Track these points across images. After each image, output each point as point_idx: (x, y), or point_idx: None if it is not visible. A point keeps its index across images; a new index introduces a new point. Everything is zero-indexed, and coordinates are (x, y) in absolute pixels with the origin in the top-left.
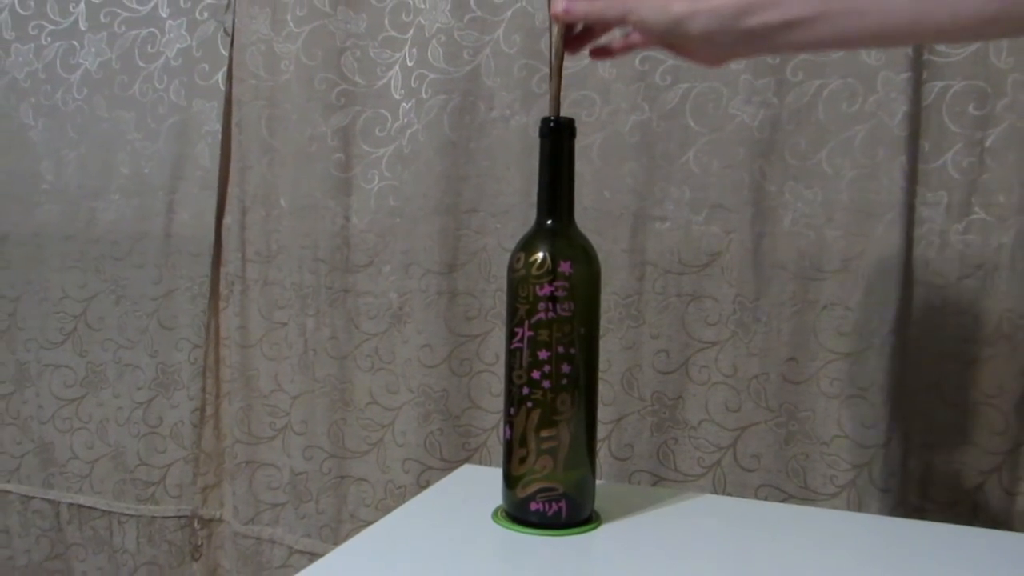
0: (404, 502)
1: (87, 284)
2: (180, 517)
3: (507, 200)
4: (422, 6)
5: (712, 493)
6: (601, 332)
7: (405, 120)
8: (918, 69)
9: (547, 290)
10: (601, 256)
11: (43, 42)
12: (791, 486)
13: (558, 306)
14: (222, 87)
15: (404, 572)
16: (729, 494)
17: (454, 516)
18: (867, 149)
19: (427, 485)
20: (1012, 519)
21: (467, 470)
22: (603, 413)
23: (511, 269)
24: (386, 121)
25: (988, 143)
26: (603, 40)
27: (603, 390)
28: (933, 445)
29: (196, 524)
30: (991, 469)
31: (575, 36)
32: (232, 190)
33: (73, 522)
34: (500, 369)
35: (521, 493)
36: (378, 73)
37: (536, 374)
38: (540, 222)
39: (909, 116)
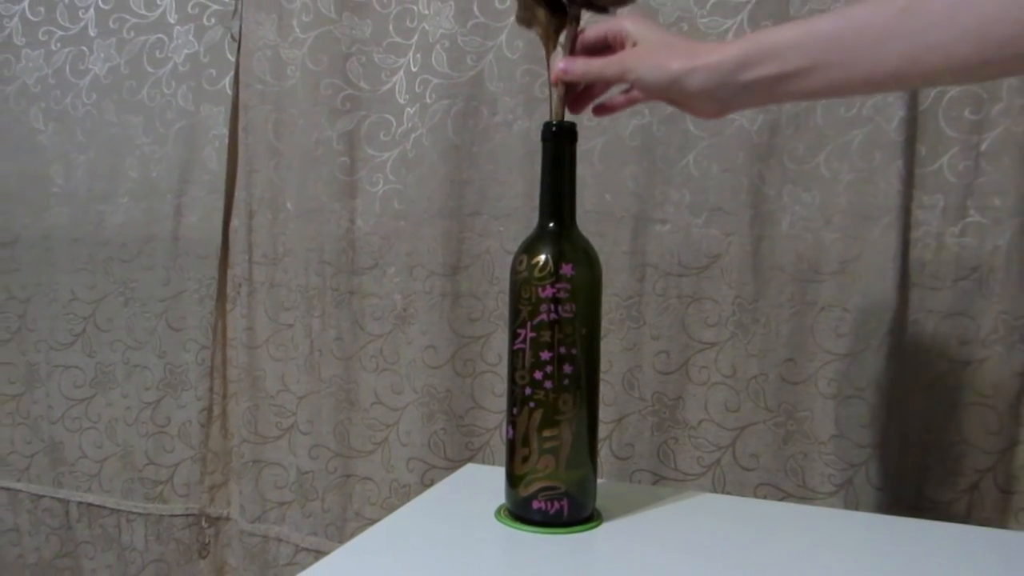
0: (408, 501)
1: (96, 286)
2: (188, 515)
3: (510, 203)
4: (426, 12)
5: (712, 492)
6: (602, 333)
7: (409, 124)
8: None
9: (549, 292)
10: (602, 258)
11: (53, 48)
12: (789, 485)
13: (560, 307)
14: (229, 92)
15: (408, 569)
16: (728, 493)
17: (457, 514)
18: (864, 153)
19: (431, 484)
20: (1007, 517)
21: (470, 469)
22: (604, 413)
23: (514, 271)
24: (391, 125)
25: (984, 147)
26: (604, 97)
27: (604, 390)
28: (929, 444)
29: (203, 522)
30: (986, 468)
31: (576, 96)
32: (239, 193)
33: (82, 520)
34: (503, 370)
35: (523, 492)
36: (383, 78)
37: (538, 374)
38: (542, 225)
39: (906, 121)
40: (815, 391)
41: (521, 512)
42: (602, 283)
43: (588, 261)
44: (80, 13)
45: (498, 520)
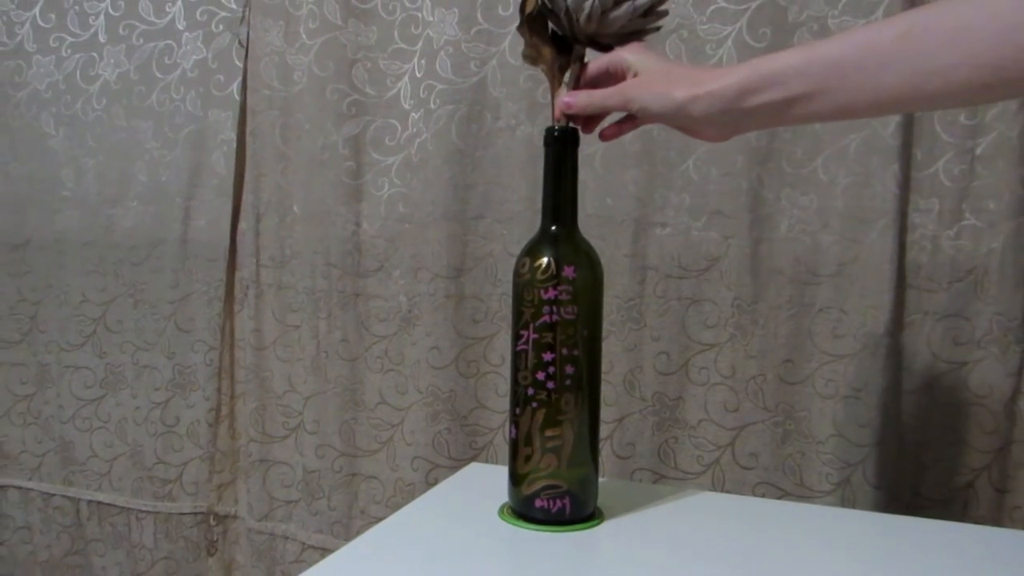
0: (413, 499)
1: (106, 288)
2: (196, 514)
3: (513, 207)
4: (431, 19)
5: (711, 490)
6: (603, 334)
7: (414, 129)
8: None
9: (551, 294)
10: (604, 261)
11: (64, 54)
12: (787, 483)
13: (562, 309)
14: (237, 97)
15: (413, 567)
16: (728, 491)
17: (461, 513)
18: (861, 157)
19: (435, 483)
20: (1001, 516)
21: (474, 468)
22: (606, 413)
23: (516, 274)
24: (396, 130)
25: (979, 151)
26: (609, 121)
27: (606, 391)
28: (925, 444)
29: (212, 520)
30: (981, 467)
31: (584, 120)
32: (247, 197)
33: (93, 518)
34: (506, 370)
35: (526, 490)
36: (388, 84)
37: (541, 375)
38: (545, 228)
39: (902, 125)
40: (813, 391)
41: (524, 510)
42: (603, 285)
43: (590, 264)
44: (90, 20)
45: (501, 518)
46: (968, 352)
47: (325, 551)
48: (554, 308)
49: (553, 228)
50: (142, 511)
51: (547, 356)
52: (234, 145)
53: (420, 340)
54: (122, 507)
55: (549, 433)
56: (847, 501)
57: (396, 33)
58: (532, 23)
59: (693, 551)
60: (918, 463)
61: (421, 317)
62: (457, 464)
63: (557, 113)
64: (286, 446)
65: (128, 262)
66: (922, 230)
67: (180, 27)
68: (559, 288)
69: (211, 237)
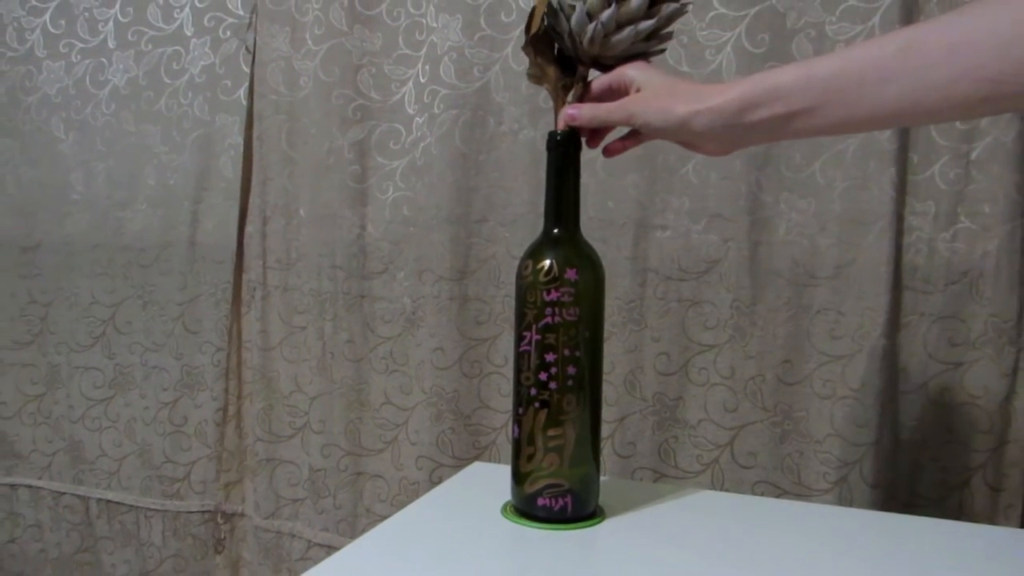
0: (417, 498)
1: (115, 290)
2: (204, 512)
3: (515, 210)
4: (435, 25)
5: (711, 489)
6: (605, 335)
7: (418, 134)
8: None
9: (553, 296)
10: (605, 263)
11: (73, 60)
12: (786, 482)
13: (564, 311)
14: (244, 102)
15: (417, 564)
16: (727, 490)
17: (465, 511)
18: (858, 161)
19: (439, 481)
20: (996, 514)
21: (477, 467)
22: (607, 413)
23: (519, 276)
24: (400, 135)
25: (974, 156)
26: (613, 136)
27: (607, 391)
28: (921, 443)
29: (219, 518)
30: (976, 466)
31: (589, 135)
32: (254, 200)
33: (102, 516)
34: (509, 371)
35: (529, 489)
36: (392, 89)
37: (543, 376)
38: (547, 231)
39: (898, 130)
40: (811, 391)
41: (526, 508)
42: (605, 287)
43: (591, 266)
44: (100, 26)
45: (504, 516)
46: (963, 353)
47: (331, 548)
48: (556, 310)
49: (555, 231)
50: (151, 509)
51: (549, 357)
52: (241, 149)
53: (424, 341)
54: (131, 505)
55: (551, 433)
56: (844, 499)
57: (401, 39)
58: (536, 43)
59: (693, 549)
60: (914, 462)
61: (425, 318)
62: (461, 463)
63: (561, 125)
64: (292, 445)
65: (137, 264)
66: (918, 233)
67: (188, 33)
68: (561, 290)
69: (219, 240)
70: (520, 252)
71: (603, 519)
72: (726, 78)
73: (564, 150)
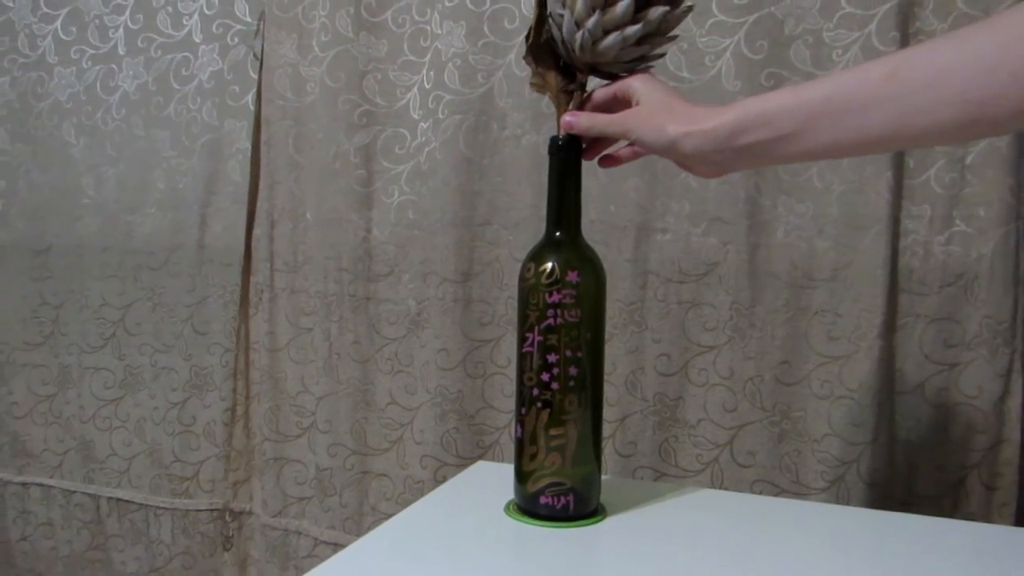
0: (422, 496)
1: (125, 292)
2: (212, 510)
3: (518, 213)
4: (439, 31)
5: (710, 488)
6: (606, 337)
7: (423, 139)
8: None
9: (556, 298)
10: (606, 266)
11: (84, 66)
12: (784, 481)
13: (566, 313)
14: (252, 108)
15: (422, 562)
16: (726, 489)
17: (469, 509)
18: (855, 165)
19: (443, 480)
20: (991, 512)
21: (481, 466)
22: (608, 413)
23: (522, 278)
24: (405, 139)
25: (969, 160)
26: (612, 149)
27: (608, 391)
28: (917, 443)
29: (227, 517)
30: (971, 465)
31: (588, 146)
32: (261, 204)
33: (112, 515)
34: (512, 371)
35: (531, 488)
36: (398, 95)
37: (545, 376)
38: (549, 234)
39: None
40: (809, 392)
41: (529, 507)
42: (606, 289)
43: (593, 268)
44: (110, 33)
45: (507, 515)
46: (959, 354)
47: (337, 546)
48: (558, 311)
49: (557, 234)
50: (160, 508)
51: (551, 358)
52: (249, 154)
53: (429, 342)
54: (141, 504)
55: (553, 432)
56: (842, 498)
57: (406, 45)
58: (537, 52)
59: (693, 546)
60: (910, 461)
61: (430, 320)
62: (464, 462)
63: (561, 132)
64: (299, 445)
65: (146, 267)
66: (914, 236)
67: (197, 40)
68: (563, 292)
69: (227, 243)
70: (523, 255)
71: (604, 517)
72: (725, 84)
73: (566, 155)
